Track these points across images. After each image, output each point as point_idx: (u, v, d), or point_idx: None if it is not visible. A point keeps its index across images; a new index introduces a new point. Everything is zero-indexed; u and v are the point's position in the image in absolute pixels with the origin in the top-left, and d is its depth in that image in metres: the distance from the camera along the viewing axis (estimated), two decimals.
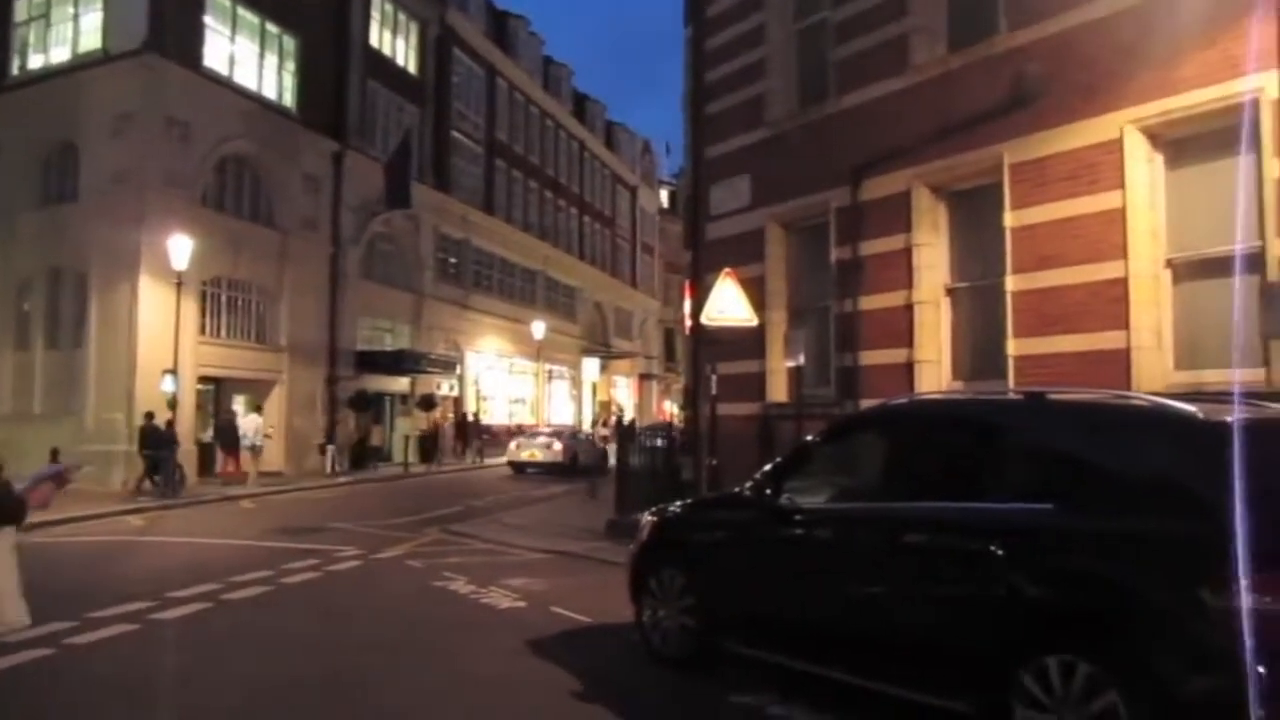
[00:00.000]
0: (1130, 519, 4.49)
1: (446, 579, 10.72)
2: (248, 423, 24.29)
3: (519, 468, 30.16)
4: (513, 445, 31.70)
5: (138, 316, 22.51)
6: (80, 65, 24.45)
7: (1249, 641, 3.88)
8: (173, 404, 20.96)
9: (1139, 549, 4.42)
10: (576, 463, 28.31)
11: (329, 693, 6.34)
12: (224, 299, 26.14)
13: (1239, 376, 8.31)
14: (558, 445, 30.02)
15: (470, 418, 37.11)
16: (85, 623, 7.96)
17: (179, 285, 21.21)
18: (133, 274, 22.63)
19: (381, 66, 33.54)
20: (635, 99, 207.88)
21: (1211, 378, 8.90)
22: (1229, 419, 4.45)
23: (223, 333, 26.05)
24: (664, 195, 67.47)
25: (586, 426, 43.79)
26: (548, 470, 28.80)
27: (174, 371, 21.08)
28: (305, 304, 28.38)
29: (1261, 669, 3.84)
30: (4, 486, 4.31)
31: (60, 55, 25.49)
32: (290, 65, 28.86)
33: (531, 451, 30.22)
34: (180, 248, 21.05)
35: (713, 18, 15.60)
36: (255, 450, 23.95)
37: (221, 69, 26.09)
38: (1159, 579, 4.30)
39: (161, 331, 21.60)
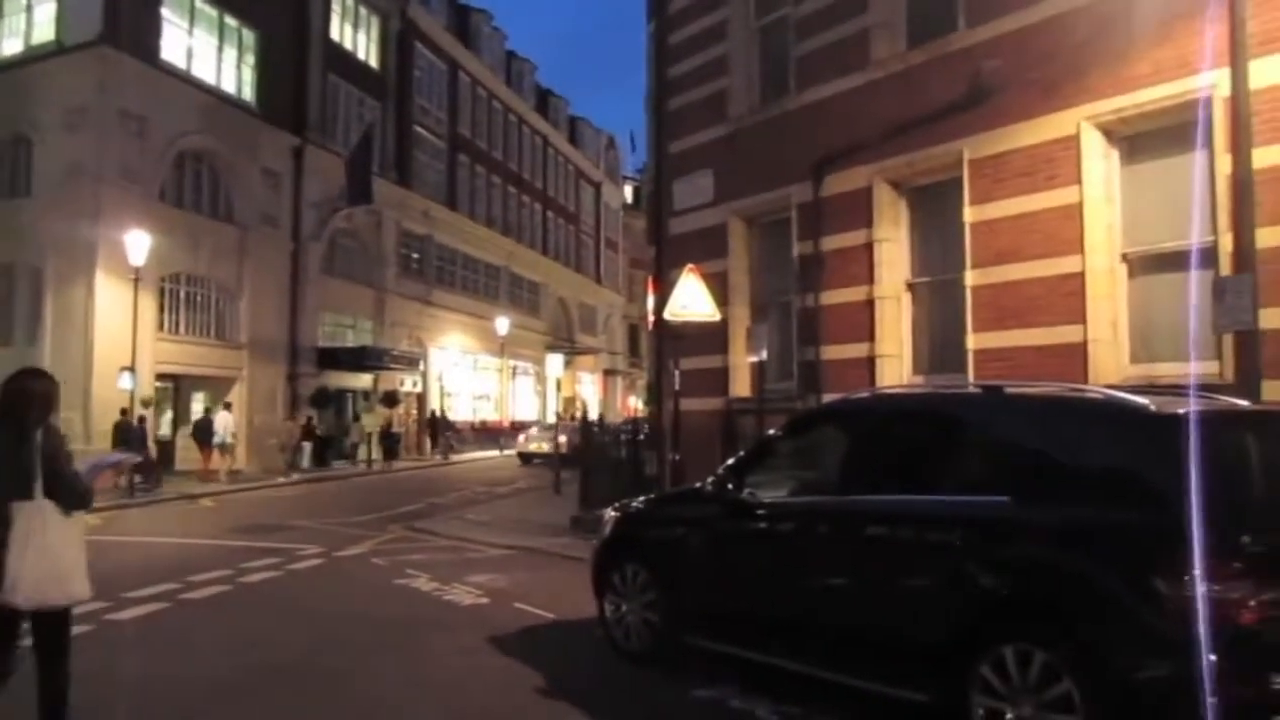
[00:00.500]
0: (1085, 510, 4.55)
1: (409, 576, 10.66)
2: (219, 420, 24.16)
3: (527, 458, 32.48)
4: (521, 438, 34.50)
5: (94, 313, 22.26)
6: (33, 57, 24.11)
7: (1201, 630, 3.95)
8: (148, 402, 20.79)
9: (1093, 540, 4.49)
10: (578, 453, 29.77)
11: (287, 692, 6.29)
12: (183, 295, 25.86)
13: (1193, 369, 8.43)
14: (563, 437, 31.02)
15: (440, 414, 37.09)
16: None
17: (136, 281, 20.95)
18: (89, 270, 22.36)
19: (342, 61, 33.26)
20: (600, 94, 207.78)
21: (1166, 370, 9.03)
22: (1181, 411, 4.52)
23: (182, 329, 25.77)
24: (628, 191, 67.39)
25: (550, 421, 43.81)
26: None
27: (132, 369, 20.81)
28: (266, 300, 28.12)
29: (1213, 656, 3.90)
30: (74, 477, 4.71)
31: (13, 47, 25.12)
32: (250, 59, 28.54)
33: (539, 444, 32.35)
34: (138, 243, 20.79)
35: (675, 14, 15.59)
36: (226, 448, 23.83)
37: (179, 62, 25.78)
38: (1113, 569, 4.37)
39: (119, 328, 21.34)
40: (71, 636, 4.88)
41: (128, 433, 20.32)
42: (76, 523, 4.75)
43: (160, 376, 24.79)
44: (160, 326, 24.51)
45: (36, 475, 4.56)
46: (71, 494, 4.67)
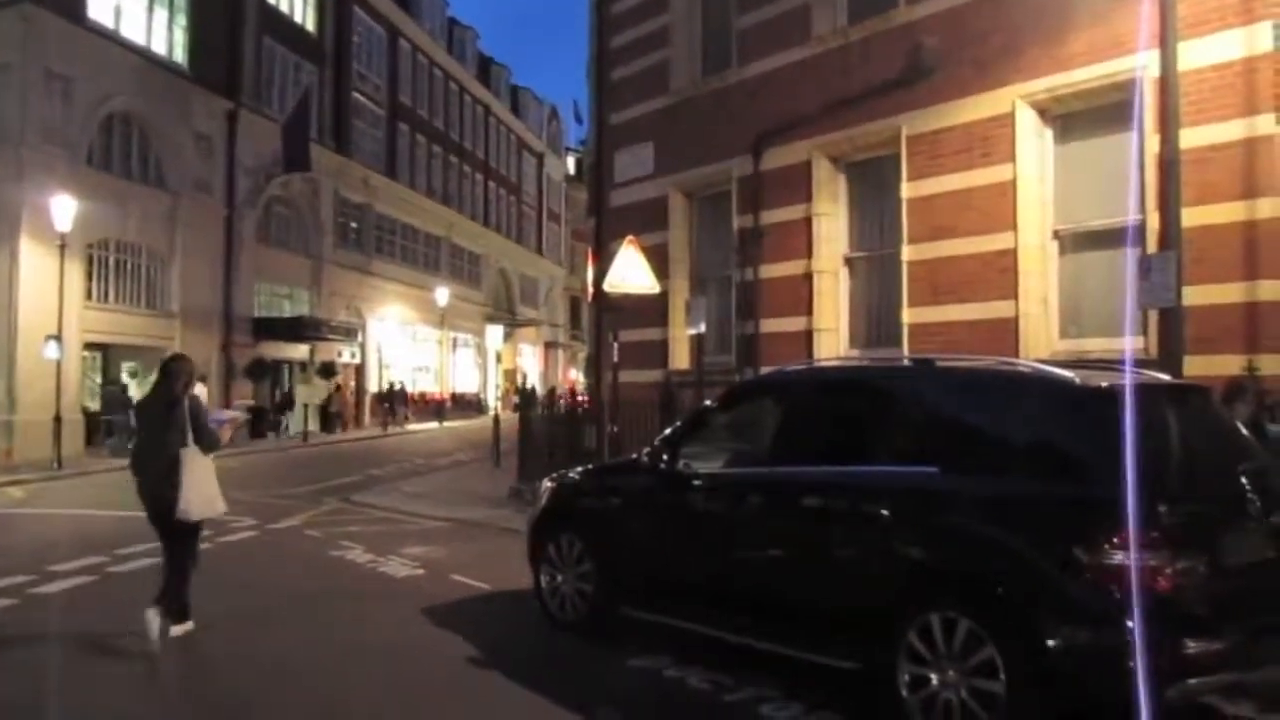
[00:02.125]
0: (1010, 480, 4.65)
1: (344, 548, 10.57)
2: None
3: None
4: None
5: (18, 279, 21.58)
6: None
7: (1120, 596, 4.06)
8: (134, 373, 20.59)
9: (1017, 509, 4.59)
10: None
11: (217, 663, 6.21)
12: (112, 262, 25.15)
13: (1120, 344, 8.62)
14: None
15: (399, 388, 37.34)
16: None
17: (63, 247, 20.37)
18: (12, 235, 21.65)
19: (278, 23, 32.46)
20: (544, 65, 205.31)
21: (1094, 345, 9.25)
22: (1103, 385, 4.63)
23: (110, 297, 25.09)
24: (571, 162, 66.93)
25: (492, 395, 43.66)
26: None
27: (58, 337, 20.29)
28: (198, 268, 27.48)
29: (1131, 622, 4.01)
30: (211, 430, 6.83)
31: None
32: (181, 20, 27.73)
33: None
34: (63, 208, 20.19)
35: None
36: None
37: (107, 22, 24.93)
38: (1035, 537, 4.47)
39: (45, 296, 20.77)
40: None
41: (114, 400, 20.45)
42: (211, 462, 6.91)
43: (88, 346, 24.18)
44: (88, 295, 23.84)
45: (189, 429, 6.63)
46: (211, 442, 6.79)
